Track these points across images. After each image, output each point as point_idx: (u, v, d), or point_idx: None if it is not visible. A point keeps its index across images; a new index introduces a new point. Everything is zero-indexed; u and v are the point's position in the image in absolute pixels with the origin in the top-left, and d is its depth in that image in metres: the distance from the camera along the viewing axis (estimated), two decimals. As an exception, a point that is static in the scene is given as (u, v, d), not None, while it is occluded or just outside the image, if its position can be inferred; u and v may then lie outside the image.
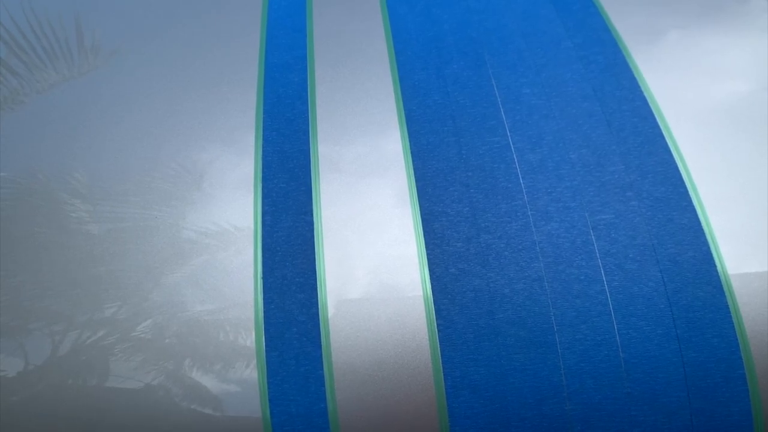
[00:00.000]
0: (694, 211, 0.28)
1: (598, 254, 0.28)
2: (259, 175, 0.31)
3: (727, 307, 0.27)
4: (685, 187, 0.29)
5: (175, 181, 0.32)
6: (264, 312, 0.27)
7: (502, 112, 0.32)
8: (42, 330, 0.28)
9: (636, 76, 0.33)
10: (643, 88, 0.32)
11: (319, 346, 0.27)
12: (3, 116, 0.36)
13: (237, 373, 0.27)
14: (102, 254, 0.30)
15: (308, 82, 0.34)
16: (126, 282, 0.29)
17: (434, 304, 0.27)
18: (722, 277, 0.27)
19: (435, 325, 0.27)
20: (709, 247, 0.27)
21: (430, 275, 0.27)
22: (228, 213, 0.30)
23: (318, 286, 0.28)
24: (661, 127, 0.31)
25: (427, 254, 0.28)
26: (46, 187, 0.32)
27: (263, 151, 0.31)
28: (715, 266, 0.27)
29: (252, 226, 0.29)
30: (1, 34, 0.40)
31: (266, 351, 0.27)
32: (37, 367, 0.28)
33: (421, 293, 0.27)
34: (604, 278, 0.27)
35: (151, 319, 0.28)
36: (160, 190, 0.32)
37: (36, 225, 0.31)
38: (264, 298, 0.27)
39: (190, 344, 0.28)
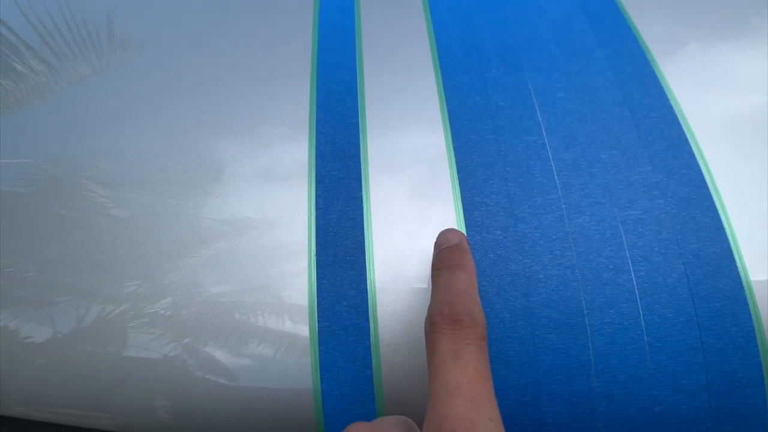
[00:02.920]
0: (715, 210, 0.31)
1: (626, 246, 0.30)
2: (313, 163, 0.33)
3: (746, 299, 0.29)
4: (707, 189, 0.31)
5: (231, 167, 0.35)
6: (317, 286, 0.30)
7: (539, 114, 0.34)
8: (68, 303, 0.31)
9: (663, 86, 0.35)
10: (669, 97, 0.35)
11: (367, 319, 0.29)
12: (33, 104, 0.39)
13: (289, 342, 0.30)
14: (125, 236, 0.32)
15: (357, 80, 0.37)
16: (152, 261, 0.31)
17: (474, 285, 0.29)
18: (741, 272, 0.29)
19: (474, 304, 0.29)
20: (729, 244, 0.30)
21: (471, 259, 0.30)
22: (283, 197, 0.33)
23: (367, 264, 0.30)
24: (686, 133, 0.33)
25: (468, 240, 0.30)
26: (70, 174, 0.35)
27: (316, 142, 0.34)
28: (734, 262, 0.29)
29: (306, 209, 0.32)
30: (36, 25, 0.43)
31: (318, 322, 0.29)
32: (63, 335, 0.31)
33: (462, 275, 0.29)
34: (631, 268, 0.29)
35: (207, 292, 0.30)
36: (218, 177, 0.34)
37: (62, 208, 0.34)
38: (317, 274, 0.30)
39: (242, 318, 0.31)
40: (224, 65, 0.40)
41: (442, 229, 0.29)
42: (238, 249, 0.31)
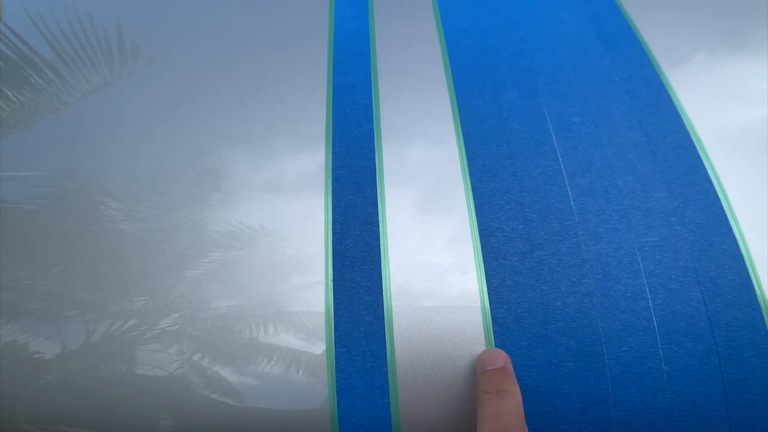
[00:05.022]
0: (734, 237, 0.30)
1: (643, 274, 0.30)
2: (329, 187, 0.34)
3: (766, 328, 0.28)
4: (725, 215, 0.31)
5: (250, 186, 0.35)
6: (334, 312, 0.30)
7: (554, 139, 0.34)
8: (77, 318, 0.31)
9: (679, 110, 0.35)
10: (685, 122, 0.35)
11: (384, 346, 0.29)
12: (48, 117, 0.40)
13: (306, 368, 0.30)
14: (135, 251, 0.33)
15: (373, 104, 0.37)
16: (160, 276, 0.32)
17: (491, 313, 0.29)
18: (761, 301, 0.29)
19: (491, 332, 0.29)
20: (748, 272, 0.30)
21: (488, 286, 0.30)
22: (299, 219, 0.33)
23: (383, 290, 0.30)
24: (703, 158, 0.33)
25: (485, 266, 0.30)
26: (83, 187, 0.36)
27: (333, 165, 0.34)
28: (754, 290, 0.29)
29: (323, 234, 0.32)
30: (48, 38, 0.44)
31: (335, 347, 0.29)
32: (71, 351, 0.31)
33: (479, 301, 0.30)
34: (648, 296, 0.29)
35: (225, 306, 0.31)
36: (236, 194, 0.35)
37: (75, 221, 0.34)
38: (334, 300, 0.30)
39: (261, 340, 0.31)
40: (239, 87, 0.40)
41: (458, 254, 0.29)
42: (253, 264, 0.32)
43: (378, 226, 0.32)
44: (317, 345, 0.30)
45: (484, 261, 0.30)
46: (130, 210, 0.34)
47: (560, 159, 0.33)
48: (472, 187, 0.33)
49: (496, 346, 0.29)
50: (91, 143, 0.38)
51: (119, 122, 0.39)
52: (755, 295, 0.29)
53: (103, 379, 0.30)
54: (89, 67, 0.42)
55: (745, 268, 0.30)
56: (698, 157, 0.33)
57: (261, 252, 0.32)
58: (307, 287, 0.31)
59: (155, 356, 0.30)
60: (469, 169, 0.34)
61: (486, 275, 0.30)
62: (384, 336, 0.29)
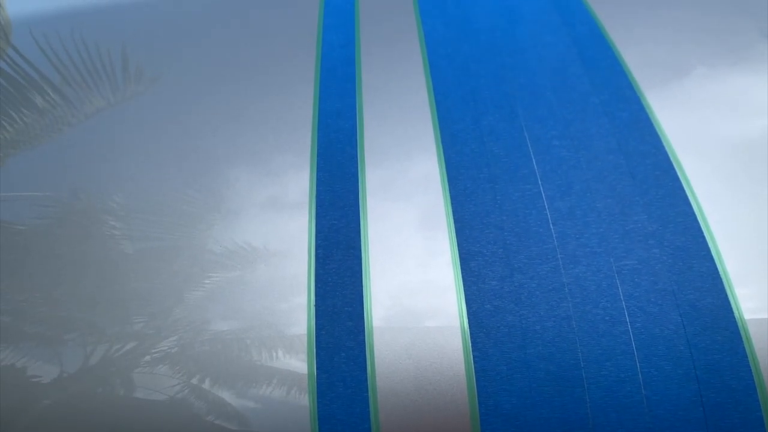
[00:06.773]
0: (712, 260, 0.31)
1: (622, 297, 0.30)
2: (313, 212, 0.34)
3: (745, 351, 0.29)
4: (704, 238, 0.31)
5: (238, 212, 0.36)
6: (316, 337, 0.30)
7: (534, 162, 0.35)
8: (76, 340, 0.32)
9: (658, 131, 0.36)
10: (664, 143, 0.35)
11: (365, 371, 0.29)
12: (53, 138, 0.41)
13: (288, 392, 0.30)
14: (136, 271, 0.33)
15: (357, 129, 0.38)
16: (163, 298, 0.32)
17: (471, 337, 0.30)
18: (739, 323, 0.29)
19: (471, 356, 0.29)
20: (726, 295, 0.30)
21: (467, 310, 0.30)
22: (285, 243, 0.33)
23: (365, 315, 0.31)
24: (682, 180, 0.34)
25: (465, 291, 0.31)
26: (87, 207, 0.36)
27: (317, 190, 0.35)
28: (732, 313, 0.29)
29: (306, 257, 0.33)
30: (55, 63, 0.45)
31: (317, 373, 0.30)
32: (69, 375, 0.31)
33: (458, 326, 0.30)
34: (627, 320, 0.29)
35: (211, 331, 0.31)
36: (224, 218, 0.35)
37: (76, 242, 0.35)
38: (316, 325, 0.31)
39: (243, 363, 0.31)
40: (231, 112, 0.41)
41: (438, 279, 0.29)
42: (237, 288, 0.32)
43: (360, 250, 0.32)
44: (300, 370, 0.30)
45: (464, 285, 0.31)
46: (129, 228, 0.35)
47: (540, 182, 0.34)
48: (453, 210, 0.33)
49: (476, 370, 0.29)
50: (89, 165, 0.39)
51: (118, 144, 0.40)
52: (734, 317, 0.29)
53: (100, 404, 0.31)
54: (93, 89, 0.43)
55: (723, 291, 0.30)
56: (677, 179, 0.34)
57: (247, 277, 0.33)
58: (291, 312, 0.31)
59: (152, 379, 0.31)
60: (450, 193, 0.34)
61: (466, 299, 0.30)
62: (365, 361, 0.30)
